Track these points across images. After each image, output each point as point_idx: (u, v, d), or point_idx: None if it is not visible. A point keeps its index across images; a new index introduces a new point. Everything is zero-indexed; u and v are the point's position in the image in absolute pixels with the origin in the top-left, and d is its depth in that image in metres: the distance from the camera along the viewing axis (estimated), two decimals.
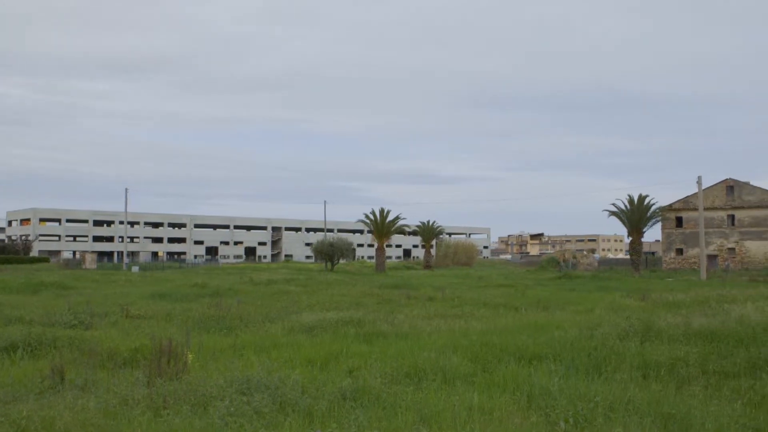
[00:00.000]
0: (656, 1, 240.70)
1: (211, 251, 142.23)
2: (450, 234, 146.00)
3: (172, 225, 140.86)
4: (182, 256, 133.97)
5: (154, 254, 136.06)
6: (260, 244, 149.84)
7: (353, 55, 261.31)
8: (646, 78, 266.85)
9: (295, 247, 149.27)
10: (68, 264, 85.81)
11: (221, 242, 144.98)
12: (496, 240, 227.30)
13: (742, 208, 79.49)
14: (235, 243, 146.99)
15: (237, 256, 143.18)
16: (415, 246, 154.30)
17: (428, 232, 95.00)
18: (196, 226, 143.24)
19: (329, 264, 76.18)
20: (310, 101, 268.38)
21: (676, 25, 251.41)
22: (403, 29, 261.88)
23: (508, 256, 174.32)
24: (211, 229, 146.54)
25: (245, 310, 22.02)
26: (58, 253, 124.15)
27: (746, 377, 10.54)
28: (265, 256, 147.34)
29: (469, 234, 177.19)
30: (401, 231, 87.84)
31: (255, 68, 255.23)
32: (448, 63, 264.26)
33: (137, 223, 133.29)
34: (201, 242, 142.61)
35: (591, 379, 10.25)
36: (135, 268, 73.11)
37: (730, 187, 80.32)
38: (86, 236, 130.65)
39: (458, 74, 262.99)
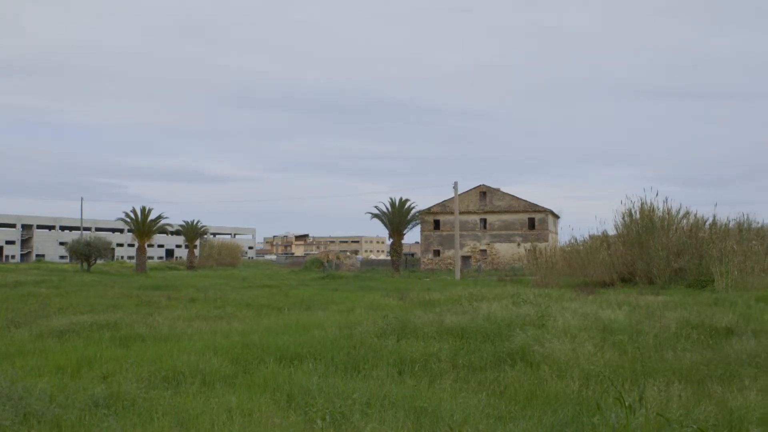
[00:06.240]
0: (418, 11, 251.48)
1: None
2: (215, 234, 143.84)
3: None
4: None
5: None
6: (8, 243, 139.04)
7: (113, 43, 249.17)
8: (406, 86, 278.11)
9: (48, 246, 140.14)
10: None
11: None
12: (262, 240, 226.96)
13: (493, 212, 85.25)
14: None
15: None
16: (178, 246, 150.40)
17: (192, 232, 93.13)
18: None
19: (85, 264, 72.40)
20: (62, 90, 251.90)
21: (436, 36, 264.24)
22: (165, 21, 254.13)
23: (273, 257, 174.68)
24: None
25: None
26: None
27: (492, 370, 11.28)
28: (13, 256, 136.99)
29: (234, 234, 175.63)
30: (164, 230, 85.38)
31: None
32: (212, 59, 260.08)
33: None
34: None
35: (350, 377, 10.49)
36: None
37: (483, 193, 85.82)
38: None
39: (222, 71, 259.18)
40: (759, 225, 41.56)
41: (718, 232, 38.36)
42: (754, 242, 35.56)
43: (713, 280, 32.31)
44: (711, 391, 9.26)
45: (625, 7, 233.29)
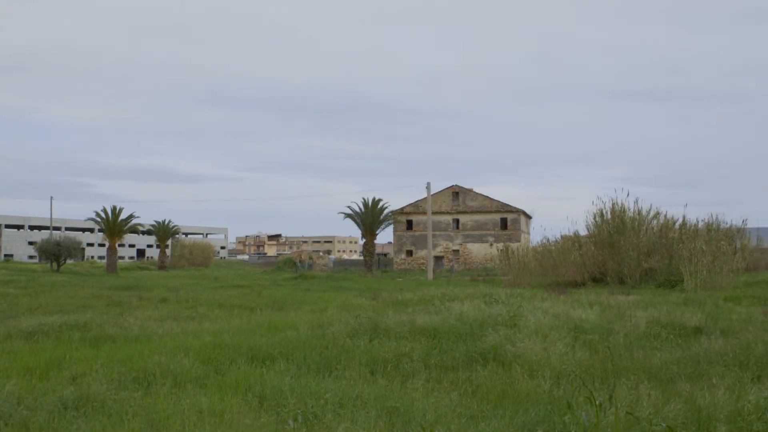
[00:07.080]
0: (396, 12, 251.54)
1: None
2: (187, 234, 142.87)
3: None
4: None
5: None
6: None
7: (88, 41, 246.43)
8: (380, 86, 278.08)
9: (17, 246, 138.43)
10: None
11: None
12: (234, 240, 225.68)
13: (466, 213, 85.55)
14: None
15: None
16: (150, 246, 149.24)
17: (163, 232, 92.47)
18: None
19: (55, 264, 71.61)
20: (33, 88, 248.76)
21: (417, 37, 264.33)
22: (144, 19, 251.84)
23: (246, 257, 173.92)
24: None
25: None
26: None
27: (463, 370, 11.29)
28: None
29: (207, 234, 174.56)
30: (135, 230, 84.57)
31: None
32: (190, 58, 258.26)
33: None
34: None
35: (322, 377, 10.46)
36: None
37: (456, 193, 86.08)
38: None
39: (199, 71, 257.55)
40: (727, 225, 42.15)
41: (688, 232, 38.81)
42: (722, 243, 35.98)
43: (683, 280, 32.68)
44: (680, 390, 9.33)
45: (602, 9, 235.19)
